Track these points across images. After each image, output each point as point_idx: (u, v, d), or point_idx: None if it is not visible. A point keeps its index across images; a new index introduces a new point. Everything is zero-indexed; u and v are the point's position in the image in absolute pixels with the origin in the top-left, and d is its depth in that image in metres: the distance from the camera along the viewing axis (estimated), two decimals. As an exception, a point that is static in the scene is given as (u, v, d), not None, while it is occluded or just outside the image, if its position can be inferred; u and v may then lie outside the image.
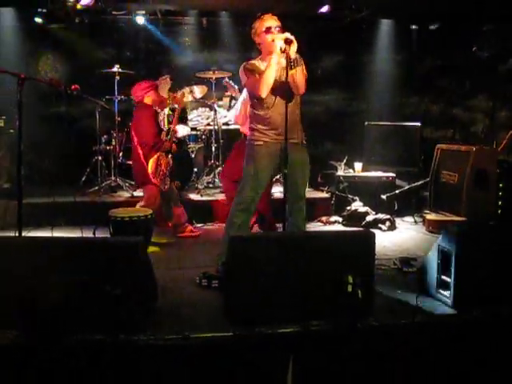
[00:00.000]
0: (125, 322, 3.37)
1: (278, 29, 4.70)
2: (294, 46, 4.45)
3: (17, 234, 4.71)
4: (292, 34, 4.47)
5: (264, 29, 4.73)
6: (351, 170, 7.92)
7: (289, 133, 4.55)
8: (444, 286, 4.04)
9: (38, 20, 8.59)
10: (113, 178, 7.83)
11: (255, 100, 4.82)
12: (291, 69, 4.47)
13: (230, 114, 7.76)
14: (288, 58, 4.43)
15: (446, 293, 3.99)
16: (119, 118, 7.93)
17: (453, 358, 3.67)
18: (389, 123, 8.68)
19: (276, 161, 4.80)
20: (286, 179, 4.66)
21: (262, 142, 4.78)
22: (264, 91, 4.60)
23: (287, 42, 4.43)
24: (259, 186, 4.83)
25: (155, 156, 6.11)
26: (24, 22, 8.66)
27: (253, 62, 4.85)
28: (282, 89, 4.66)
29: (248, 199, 4.81)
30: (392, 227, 6.96)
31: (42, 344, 3.26)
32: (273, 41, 4.61)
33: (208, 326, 3.59)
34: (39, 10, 8.48)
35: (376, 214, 7.08)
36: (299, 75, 4.56)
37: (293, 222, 4.91)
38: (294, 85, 4.62)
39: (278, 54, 4.52)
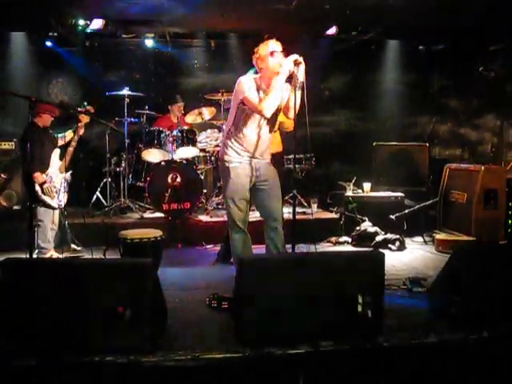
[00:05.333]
0: (135, 342, 3.37)
1: (281, 53, 4.74)
2: (303, 68, 4.51)
3: (27, 256, 4.75)
4: (300, 56, 4.54)
5: (269, 52, 4.76)
6: (360, 191, 7.92)
7: (262, 154, 4.84)
8: (454, 305, 4.02)
9: (49, 44, 8.71)
10: (122, 199, 7.87)
11: (244, 119, 4.78)
12: (298, 90, 4.52)
13: None
14: (296, 80, 4.49)
15: (457, 312, 3.97)
16: (128, 140, 7.98)
17: (463, 378, 3.65)
18: (397, 143, 8.71)
19: (251, 179, 4.87)
20: (259, 199, 4.95)
21: (237, 164, 4.81)
22: (270, 112, 4.61)
23: (296, 63, 4.50)
24: (243, 205, 4.88)
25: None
26: (35, 45, 8.78)
27: (255, 79, 4.82)
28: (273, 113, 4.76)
29: (238, 221, 4.88)
30: (401, 247, 6.94)
31: (54, 365, 3.27)
32: (279, 64, 4.65)
33: (218, 346, 3.58)
34: (50, 34, 8.60)
35: (385, 233, 7.07)
36: (298, 99, 4.59)
37: (270, 244, 4.97)
38: (288, 107, 4.70)
39: (285, 75, 4.56)
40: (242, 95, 4.68)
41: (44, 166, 6.05)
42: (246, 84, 4.68)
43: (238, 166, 4.80)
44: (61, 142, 6.41)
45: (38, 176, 5.97)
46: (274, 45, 4.77)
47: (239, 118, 4.78)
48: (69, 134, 6.45)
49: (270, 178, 4.93)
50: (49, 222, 6.06)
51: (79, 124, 6.40)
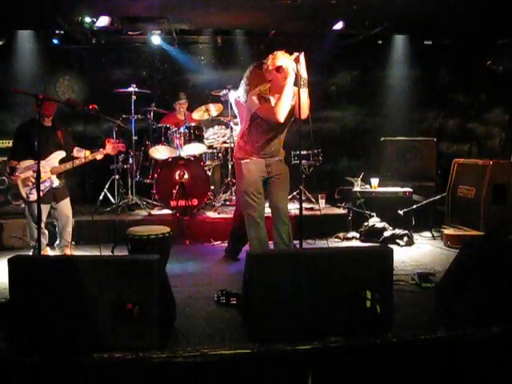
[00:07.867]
0: (143, 339, 3.38)
1: (288, 65, 4.80)
2: (303, 63, 4.59)
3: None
4: (303, 52, 4.59)
5: (275, 67, 4.83)
6: (368, 186, 7.90)
7: (274, 153, 5.18)
8: (463, 300, 4.01)
9: (56, 41, 8.72)
10: (130, 196, 7.88)
11: (256, 125, 5.05)
12: (302, 87, 4.59)
13: None
14: (299, 77, 4.55)
15: (465, 308, 3.96)
16: (136, 137, 7.99)
17: (473, 374, 3.64)
18: (405, 138, 8.68)
19: (263, 174, 5.16)
20: (269, 192, 5.22)
21: (248, 160, 5.13)
22: (282, 116, 4.83)
23: (296, 60, 4.58)
24: (257, 199, 5.10)
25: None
26: (42, 43, 8.80)
27: (263, 90, 5.01)
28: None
29: (253, 213, 5.09)
30: (410, 242, 6.92)
31: (61, 361, 3.28)
32: (283, 74, 4.75)
33: (226, 343, 3.58)
34: (56, 31, 8.61)
35: (393, 229, 7.05)
36: (305, 97, 4.69)
37: (276, 235, 5.16)
38: (300, 107, 4.73)
39: (293, 78, 4.65)
40: (255, 107, 4.94)
41: (31, 157, 5.92)
42: (257, 96, 4.94)
43: (250, 163, 5.11)
44: (81, 154, 6.27)
45: (12, 163, 5.95)
46: (281, 59, 4.83)
47: (252, 124, 5.07)
48: (89, 154, 6.28)
49: (281, 174, 5.23)
50: (31, 218, 5.96)
51: (100, 150, 6.35)
